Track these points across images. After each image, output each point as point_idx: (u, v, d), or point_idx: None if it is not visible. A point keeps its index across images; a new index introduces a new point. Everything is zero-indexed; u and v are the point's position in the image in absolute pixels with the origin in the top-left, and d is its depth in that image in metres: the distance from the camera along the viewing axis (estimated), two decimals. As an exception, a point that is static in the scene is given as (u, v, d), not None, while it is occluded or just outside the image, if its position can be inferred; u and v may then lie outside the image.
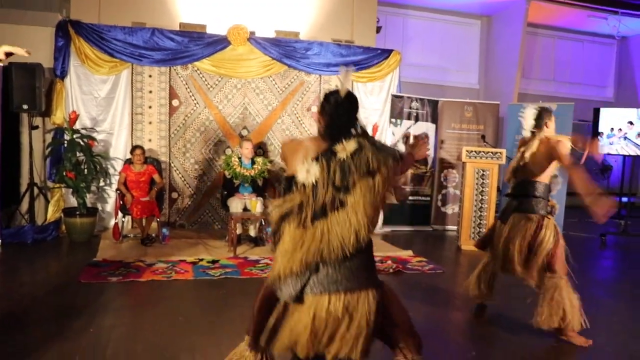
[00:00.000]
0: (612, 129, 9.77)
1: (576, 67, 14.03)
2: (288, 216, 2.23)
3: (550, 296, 4.08)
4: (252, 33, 8.05)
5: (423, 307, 4.99)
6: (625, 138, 9.65)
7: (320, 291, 2.17)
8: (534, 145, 4.33)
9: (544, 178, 4.34)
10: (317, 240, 2.15)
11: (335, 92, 2.41)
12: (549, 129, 4.36)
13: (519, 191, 4.42)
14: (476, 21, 12.73)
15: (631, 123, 9.61)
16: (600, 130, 9.87)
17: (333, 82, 8.50)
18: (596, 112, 9.98)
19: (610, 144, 9.80)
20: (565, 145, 4.15)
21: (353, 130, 2.39)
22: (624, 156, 10.03)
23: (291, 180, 2.31)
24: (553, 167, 4.33)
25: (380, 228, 8.78)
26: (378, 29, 9.46)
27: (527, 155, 4.36)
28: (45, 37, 7.59)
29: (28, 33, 7.63)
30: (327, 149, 2.26)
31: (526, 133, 4.48)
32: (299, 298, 2.22)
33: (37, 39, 7.57)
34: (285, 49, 8.17)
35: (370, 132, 8.31)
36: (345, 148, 2.23)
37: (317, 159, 2.25)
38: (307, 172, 2.24)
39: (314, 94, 8.50)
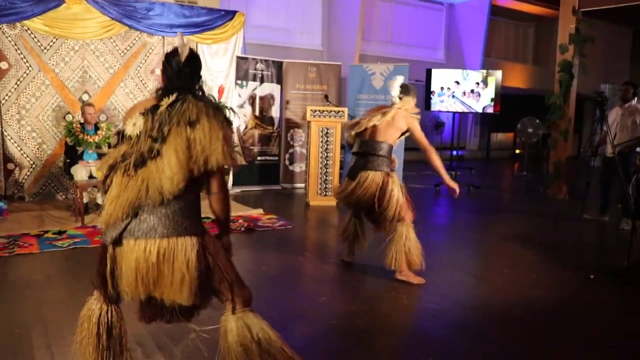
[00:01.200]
0: (442, 88, 10.62)
1: (412, 30, 14.98)
2: (115, 166, 2.34)
3: (399, 241, 4.55)
4: (89, -9, 7.63)
5: (275, 261, 5.29)
6: (453, 96, 10.55)
7: (138, 236, 2.32)
8: (390, 114, 4.71)
9: (390, 140, 4.73)
10: (138, 187, 2.29)
11: (176, 54, 2.48)
12: (409, 105, 4.75)
13: (365, 150, 4.77)
14: (318, -16, 13.03)
15: (458, 83, 10.52)
16: (432, 89, 10.67)
17: (176, 43, 8.31)
18: (428, 73, 10.77)
19: (441, 102, 10.66)
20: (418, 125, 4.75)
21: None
22: (453, 113, 10.94)
23: (121, 135, 2.44)
24: (400, 135, 4.79)
25: (230, 189, 8.90)
26: (222, -10, 9.38)
27: (380, 121, 4.72)
28: None
29: None
30: (154, 105, 2.38)
31: (394, 98, 4.84)
32: (118, 242, 2.35)
33: None
34: (125, 9, 7.86)
35: (215, 94, 8.36)
36: (167, 101, 2.36)
37: (143, 113, 2.39)
38: (134, 125, 2.39)
39: (157, 55, 8.32)
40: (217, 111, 2.38)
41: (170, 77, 2.49)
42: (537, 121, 12.80)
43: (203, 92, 2.51)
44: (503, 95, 10.51)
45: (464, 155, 16.19)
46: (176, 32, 8.16)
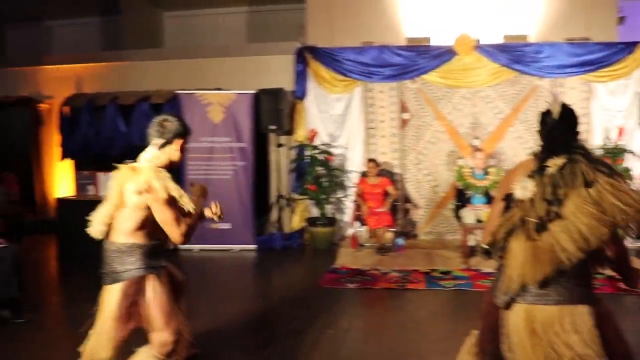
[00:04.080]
0: None
1: None
2: (513, 231, 2.33)
3: None
4: (478, 41, 8.02)
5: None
6: None
7: (531, 301, 2.28)
8: None
9: None
10: (548, 252, 2.24)
11: (550, 113, 2.43)
12: None
13: None
14: None
15: None
16: None
17: (567, 84, 8.03)
18: None
19: None
20: None
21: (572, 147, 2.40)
22: None
23: (509, 199, 2.43)
24: None
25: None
26: (620, 20, 8.64)
27: None
28: (286, 64, 8.55)
29: (271, 62, 8.81)
30: (539, 166, 2.36)
31: None
32: (509, 305, 2.35)
33: (279, 66, 8.64)
34: (514, 54, 7.98)
35: (614, 135, 7.66)
36: (555, 163, 2.31)
37: (530, 175, 2.36)
38: (524, 188, 2.36)
39: (547, 99, 8.11)
40: (610, 169, 2.29)
41: (546, 137, 2.47)
42: None
43: (585, 150, 2.39)
44: None
45: None
46: (569, 72, 7.95)
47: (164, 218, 2.83)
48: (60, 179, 9.86)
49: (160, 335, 2.91)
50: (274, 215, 8.51)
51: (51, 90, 9.81)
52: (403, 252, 7.32)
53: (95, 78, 9.53)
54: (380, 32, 8.40)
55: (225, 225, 7.72)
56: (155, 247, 2.98)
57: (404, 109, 8.31)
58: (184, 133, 2.98)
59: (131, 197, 2.83)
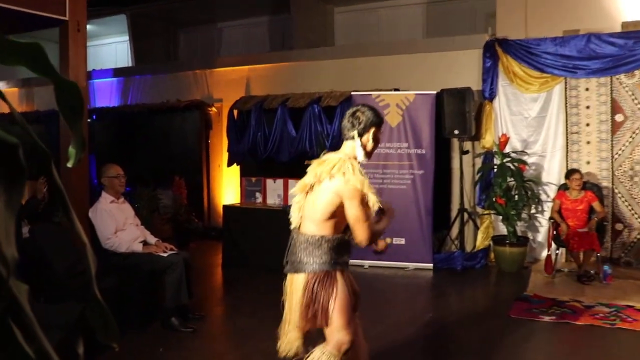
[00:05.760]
0: None
1: None
2: None
3: None
4: None
5: None
6: None
7: None
8: None
9: None
10: None
11: None
12: None
13: None
14: None
15: None
16: None
17: None
18: None
19: None
20: None
21: None
22: None
23: None
24: None
25: None
26: None
27: None
28: (471, 60, 8.02)
29: (455, 58, 8.24)
30: None
31: None
32: None
33: (464, 63, 8.10)
34: None
35: None
36: None
37: None
38: None
39: None
40: None
41: None
42: None
43: None
44: None
45: None
46: None
47: (355, 214, 2.84)
48: (228, 185, 10.07)
49: (339, 335, 2.93)
50: (454, 231, 7.97)
51: (221, 93, 10.10)
52: (611, 283, 6.46)
53: (264, 80, 9.64)
54: (587, 18, 7.52)
55: (400, 241, 7.32)
56: (344, 241, 3.02)
57: (616, 109, 7.32)
58: (377, 122, 3.05)
59: (324, 188, 2.92)
